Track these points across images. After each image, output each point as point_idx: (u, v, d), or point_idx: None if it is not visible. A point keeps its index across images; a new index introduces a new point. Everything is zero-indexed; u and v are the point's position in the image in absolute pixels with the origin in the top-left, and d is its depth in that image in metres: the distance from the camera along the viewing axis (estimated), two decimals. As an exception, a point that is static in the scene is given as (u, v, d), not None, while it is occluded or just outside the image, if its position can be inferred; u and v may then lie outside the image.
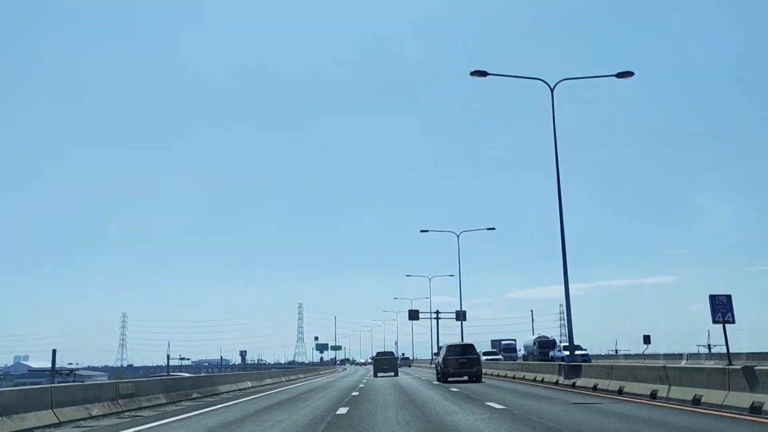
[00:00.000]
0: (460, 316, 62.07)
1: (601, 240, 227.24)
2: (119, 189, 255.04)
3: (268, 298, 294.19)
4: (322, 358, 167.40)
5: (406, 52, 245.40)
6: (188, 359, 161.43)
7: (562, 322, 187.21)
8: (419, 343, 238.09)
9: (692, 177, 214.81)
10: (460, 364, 30.88)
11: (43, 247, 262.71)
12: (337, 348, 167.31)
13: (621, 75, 27.06)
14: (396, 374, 44.97)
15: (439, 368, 32.77)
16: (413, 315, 76.79)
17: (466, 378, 30.83)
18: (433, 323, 77.32)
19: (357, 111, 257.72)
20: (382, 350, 54.35)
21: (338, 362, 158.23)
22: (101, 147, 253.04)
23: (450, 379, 30.89)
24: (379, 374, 44.92)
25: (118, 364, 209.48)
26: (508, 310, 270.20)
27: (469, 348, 32.50)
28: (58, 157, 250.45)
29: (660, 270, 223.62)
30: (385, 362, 46.58)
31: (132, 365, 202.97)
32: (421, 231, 62.48)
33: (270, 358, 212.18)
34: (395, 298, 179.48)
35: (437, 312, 74.93)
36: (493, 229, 63.31)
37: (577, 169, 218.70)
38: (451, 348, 32.56)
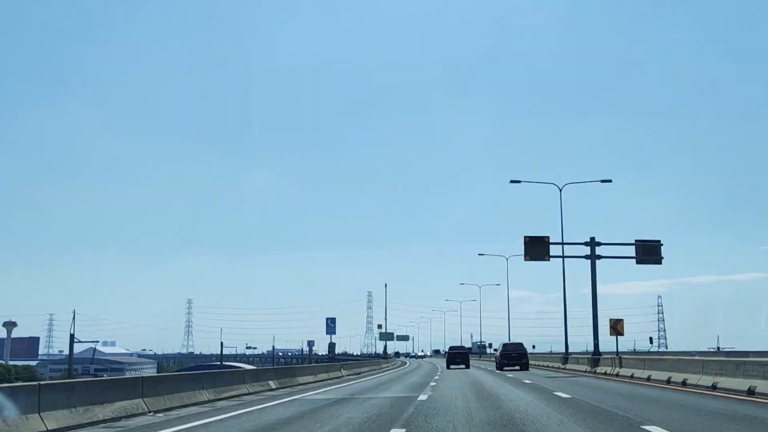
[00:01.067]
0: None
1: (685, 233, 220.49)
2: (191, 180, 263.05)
3: (339, 285, 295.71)
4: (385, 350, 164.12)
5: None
6: (254, 347, 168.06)
7: (661, 315, 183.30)
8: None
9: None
10: (512, 357, 41.30)
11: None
12: (404, 338, 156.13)
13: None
14: (467, 366, 49.95)
15: (497, 360, 43.82)
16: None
17: (517, 367, 40.32)
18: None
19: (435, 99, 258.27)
20: (455, 344, 65.56)
21: (393, 354, 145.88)
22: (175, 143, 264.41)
23: (505, 368, 40.50)
24: (452, 366, 50.06)
25: (185, 350, 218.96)
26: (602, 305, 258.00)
27: (519, 345, 43.79)
28: (138, 153, 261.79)
29: (749, 266, 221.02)
30: (458, 355, 53.20)
31: (193, 352, 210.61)
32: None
33: (338, 349, 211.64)
34: (461, 284, 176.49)
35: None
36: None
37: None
38: (506, 345, 44.30)
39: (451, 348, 58.41)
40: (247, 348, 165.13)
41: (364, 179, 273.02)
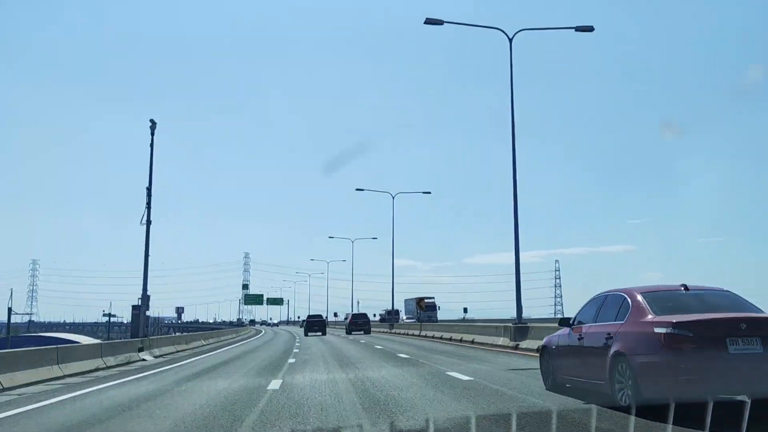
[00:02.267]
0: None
1: (566, 206, 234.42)
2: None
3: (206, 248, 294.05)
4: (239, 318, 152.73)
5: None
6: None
7: (558, 281, 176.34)
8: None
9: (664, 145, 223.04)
10: (358, 324, 56.40)
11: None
12: (277, 301, 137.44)
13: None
14: (324, 333, 53.93)
15: (346, 327, 59.18)
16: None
17: (362, 332, 54.16)
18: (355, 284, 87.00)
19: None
20: (312, 313, 67.81)
21: (248, 322, 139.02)
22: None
23: (354, 332, 54.49)
24: (310, 333, 53.55)
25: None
26: (469, 274, 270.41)
27: (363, 315, 59.74)
28: None
29: (619, 239, 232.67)
30: (315, 324, 57.65)
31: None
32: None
33: (207, 317, 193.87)
34: (312, 260, 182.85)
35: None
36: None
37: (548, 130, 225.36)
38: (354, 315, 60.65)
39: (309, 316, 62.78)
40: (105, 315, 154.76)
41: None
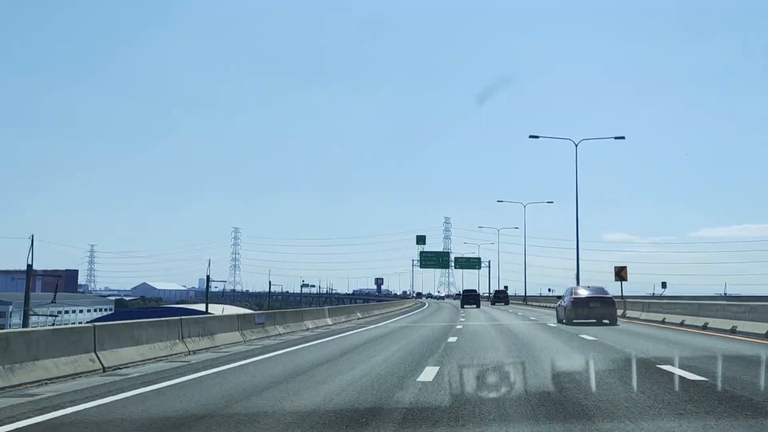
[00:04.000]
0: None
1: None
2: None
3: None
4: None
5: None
6: (312, 285, 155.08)
7: None
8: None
9: None
10: (499, 298, 72.20)
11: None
12: (472, 263, 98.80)
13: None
14: (478, 306, 58.91)
15: (491, 299, 73.04)
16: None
17: (503, 303, 67.33)
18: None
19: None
20: (467, 288, 78.87)
21: (414, 295, 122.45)
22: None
23: (496, 303, 67.87)
24: (465, 306, 58.67)
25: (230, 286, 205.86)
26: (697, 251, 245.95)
27: (503, 291, 75.38)
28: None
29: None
30: (471, 297, 63.49)
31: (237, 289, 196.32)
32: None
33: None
34: (480, 227, 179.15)
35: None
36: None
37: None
38: (496, 291, 78.19)
39: (464, 291, 72.73)
40: (303, 286, 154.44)
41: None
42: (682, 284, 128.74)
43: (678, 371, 9.10)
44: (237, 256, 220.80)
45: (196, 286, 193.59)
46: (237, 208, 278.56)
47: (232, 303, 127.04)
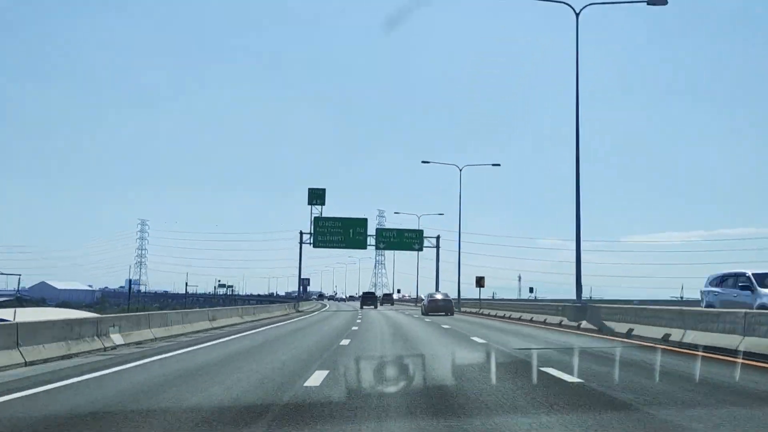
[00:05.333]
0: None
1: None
2: None
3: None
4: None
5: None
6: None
7: None
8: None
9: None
10: (366, 300, 71.19)
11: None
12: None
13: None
14: (376, 307, 66.10)
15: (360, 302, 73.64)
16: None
17: (372, 306, 66.48)
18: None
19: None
20: (367, 290, 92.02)
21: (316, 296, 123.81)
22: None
23: (364, 307, 65.00)
24: (364, 306, 65.20)
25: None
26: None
27: (372, 293, 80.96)
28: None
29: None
30: (369, 298, 71.58)
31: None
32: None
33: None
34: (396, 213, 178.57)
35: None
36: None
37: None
38: (364, 292, 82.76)
39: (364, 293, 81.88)
40: (220, 286, 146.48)
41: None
42: (610, 287, 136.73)
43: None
44: (143, 252, 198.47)
45: (110, 286, 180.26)
46: (146, 202, 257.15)
47: (139, 305, 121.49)
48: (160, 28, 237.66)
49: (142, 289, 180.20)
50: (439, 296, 44.49)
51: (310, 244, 57.58)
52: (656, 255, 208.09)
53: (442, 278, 73.61)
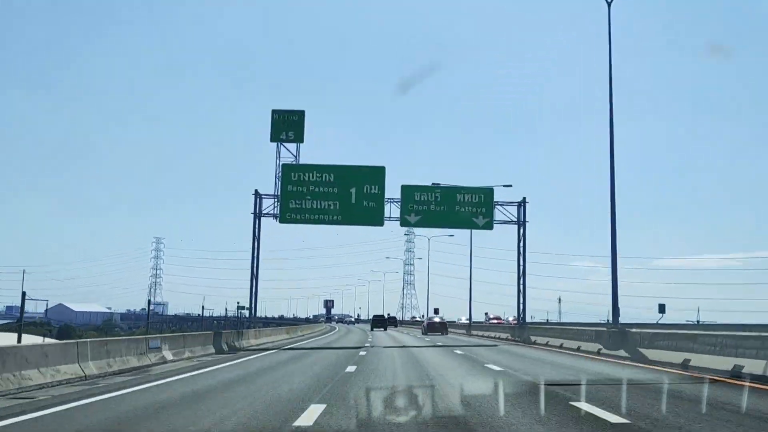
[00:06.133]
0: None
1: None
2: None
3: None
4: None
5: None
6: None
7: None
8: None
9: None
10: (378, 322, 72.10)
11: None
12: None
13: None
14: (385, 329, 67.48)
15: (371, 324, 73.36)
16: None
17: (382, 329, 67.65)
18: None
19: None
20: (378, 313, 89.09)
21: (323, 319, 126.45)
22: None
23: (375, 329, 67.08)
24: (374, 329, 66.12)
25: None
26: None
27: (382, 316, 78.27)
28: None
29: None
30: (379, 321, 72.52)
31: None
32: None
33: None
34: (387, 258, 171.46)
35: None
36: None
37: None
38: (375, 315, 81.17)
39: (374, 316, 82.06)
40: (239, 308, 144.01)
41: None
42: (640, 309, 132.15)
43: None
44: (159, 272, 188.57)
45: (131, 308, 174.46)
46: (159, 221, 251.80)
47: (155, 327, 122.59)
48: (187, 49, 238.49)
49: (160, 311, 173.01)
50: (436, 319, 57.80)
51: (274, 216, 30.76)
52: (691, 275, 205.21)
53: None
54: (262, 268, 30.99)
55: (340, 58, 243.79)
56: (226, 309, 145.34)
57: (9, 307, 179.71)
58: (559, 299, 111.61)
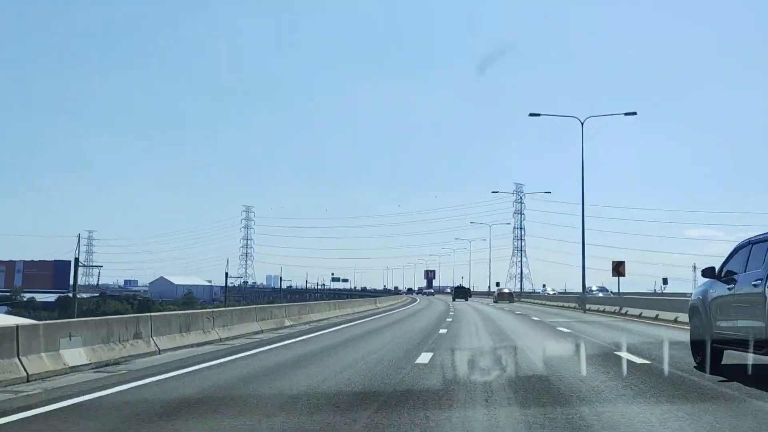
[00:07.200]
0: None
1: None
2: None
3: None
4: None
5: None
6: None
7: None
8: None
9: None
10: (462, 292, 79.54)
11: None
12: None
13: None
14: (466, 299, 73.22)
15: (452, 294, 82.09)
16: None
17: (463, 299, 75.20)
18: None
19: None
20: (458, 284, 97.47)
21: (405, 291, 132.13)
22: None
23: (457, 298, 73.56)
24: (456, 299, 70.86)
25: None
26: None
27: (462, 287, 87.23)
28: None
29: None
30: (460, 292, 79.39)
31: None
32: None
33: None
34: (471, 222, 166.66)
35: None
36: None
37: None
38: (457, 286, 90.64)
39: (456, 286, 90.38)
40: (333, 280, 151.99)
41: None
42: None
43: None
44: (250, 242, 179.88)
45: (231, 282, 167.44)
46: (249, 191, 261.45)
47: (246, 299, 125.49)
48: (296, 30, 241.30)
49: (250, 281, 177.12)
50: (505, 290, 73.17)
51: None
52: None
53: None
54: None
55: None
56: (317, 281, 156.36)
57: (127, 281, 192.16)
58: (694, 266, 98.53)
